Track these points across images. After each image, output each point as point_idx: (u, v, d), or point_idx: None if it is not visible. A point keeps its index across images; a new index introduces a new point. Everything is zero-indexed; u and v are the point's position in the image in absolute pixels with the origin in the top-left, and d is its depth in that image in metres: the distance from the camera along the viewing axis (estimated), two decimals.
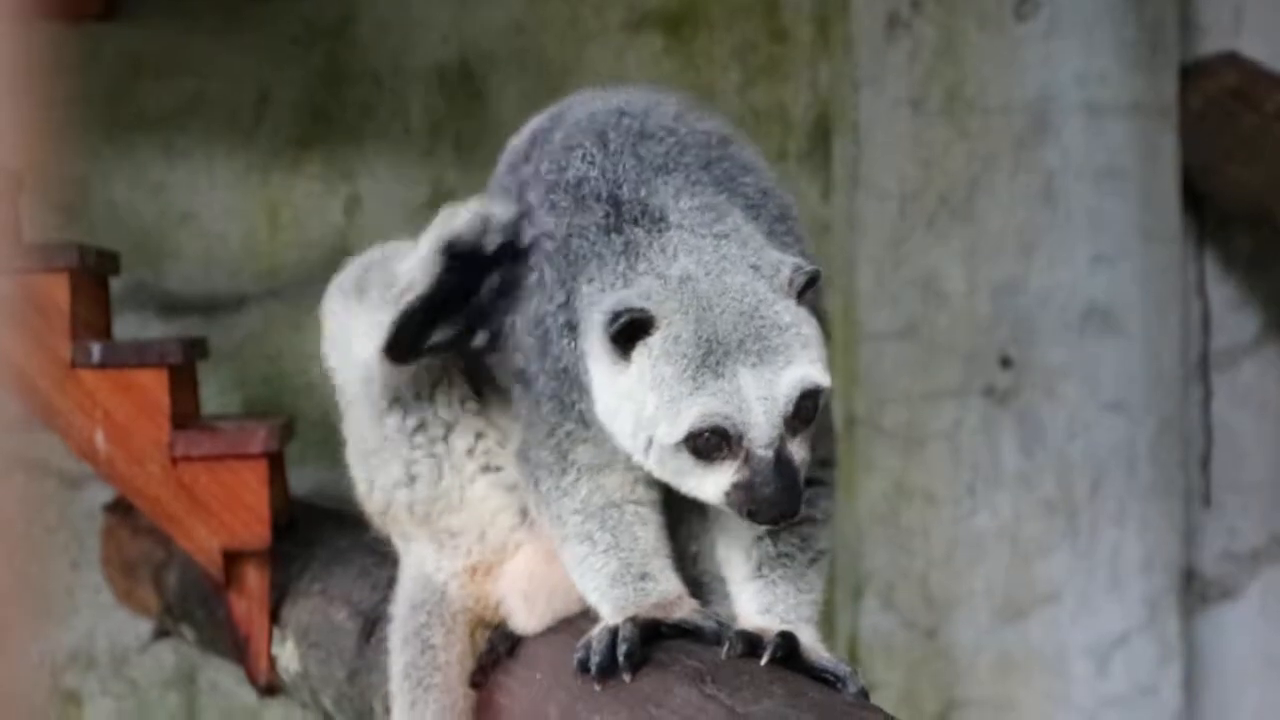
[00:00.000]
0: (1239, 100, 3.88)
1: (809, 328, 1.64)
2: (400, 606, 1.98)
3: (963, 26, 3.86)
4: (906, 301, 3.89)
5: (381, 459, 1.94)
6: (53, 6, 3.31)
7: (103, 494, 3.53)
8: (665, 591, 1.77)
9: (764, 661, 1.64)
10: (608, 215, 1.71)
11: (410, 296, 1.79)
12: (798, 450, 1.65)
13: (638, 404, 1.64)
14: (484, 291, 1.76)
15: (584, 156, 1.77)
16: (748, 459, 1.62)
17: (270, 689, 2.62)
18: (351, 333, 1.89)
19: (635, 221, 1.69)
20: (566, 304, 1.73)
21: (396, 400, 1.91)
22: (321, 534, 2.63)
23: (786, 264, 1.65)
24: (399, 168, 3.82)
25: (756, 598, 1.77)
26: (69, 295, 2.48)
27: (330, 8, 3.78)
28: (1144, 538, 3.94)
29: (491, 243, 1.76)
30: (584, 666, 1.70)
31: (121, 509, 3.44)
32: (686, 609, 1.75)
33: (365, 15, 3.80)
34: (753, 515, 1.64)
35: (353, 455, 2.00)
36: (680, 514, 1.83)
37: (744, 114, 3.96)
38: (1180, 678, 3.94)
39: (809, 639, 1.72)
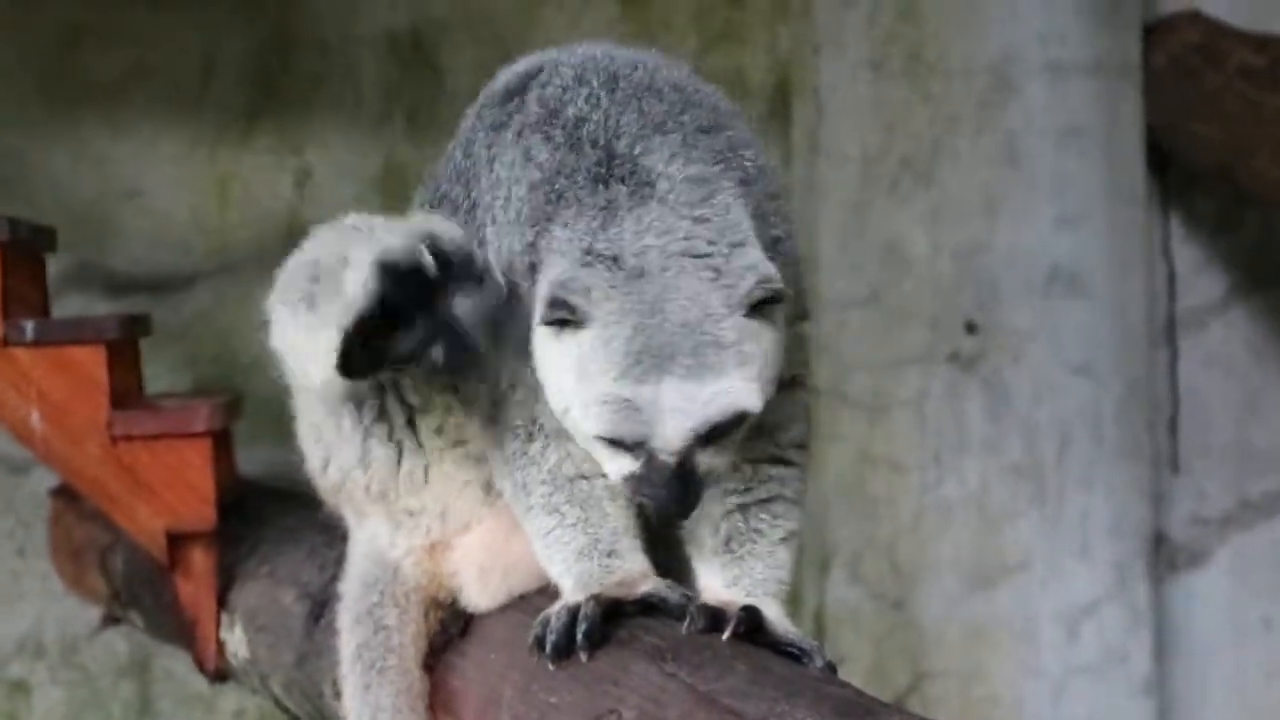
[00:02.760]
0: (1202, 57, 3.83)
1: (754, 345, 1.58)
2: (351, 585, 1.91)
3: None
4: (869, 268, 3.83)
5: (335, 445, 1.86)
6: None
7: (49, 479, 3.46)
8: (630, 569, 1.71)
9: (726, 636, 1.59)
10: (600, 163, 1.64)
11: (351, 316, 1.70)
12: (709, 459, 1.61)
13: (561, 377, 1.61)
14: (440, 309, 1.68)
15: (589, 97, 1.70)
16: (650, 459, 1.59)
17: (219, 675, 2.54)
18: (303, 350, 1.77)
19: (623, 180, 1.63)
20: (534, 245, 1.67)
21: (350, 401, 1.84)
22: (271, 514, 2.56)
23: (751, 275, 1.58)
24: (350, 139, 3.75)
25: (722, 572, 1.73)
26: (1, 271, 2.40)
27: None
28: (1112, 503, 3.90)
29: (431, 267, 1.68)
30: (540, 644, 1.64)
31: (68, 494, 3.37)
32: (652, 583, 1.69)
33: None
34: (641, 507, 1.64)
35: (304, 432, 1.93)
36: None
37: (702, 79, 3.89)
38: (1150, 644, 3.90)
39: (774, 614, 1.67)
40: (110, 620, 3.30)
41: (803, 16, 3.84)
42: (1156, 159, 3.97)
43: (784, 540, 1.74)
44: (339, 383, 1.75)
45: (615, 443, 1.59)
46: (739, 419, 1.59)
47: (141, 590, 2.88)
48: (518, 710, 1.67)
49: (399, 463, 1.84)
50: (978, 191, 3.82)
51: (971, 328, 3.84)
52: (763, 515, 1.74)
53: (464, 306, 1.70)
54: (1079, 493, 3.89)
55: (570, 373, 1.59)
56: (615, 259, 1.58)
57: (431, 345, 1.70)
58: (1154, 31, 3.93)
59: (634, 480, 1.60)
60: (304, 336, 1.75)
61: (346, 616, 1.91)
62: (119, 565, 2.99)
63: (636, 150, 1.64)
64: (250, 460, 3.03)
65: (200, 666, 2.51)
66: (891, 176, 3.83)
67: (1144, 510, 3.95)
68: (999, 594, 3.85)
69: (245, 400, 2.95)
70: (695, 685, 1.48)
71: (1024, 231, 3.83)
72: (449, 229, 1.74)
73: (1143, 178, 3.93)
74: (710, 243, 1.59)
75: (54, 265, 3.30)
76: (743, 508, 1.74)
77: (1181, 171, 4.05)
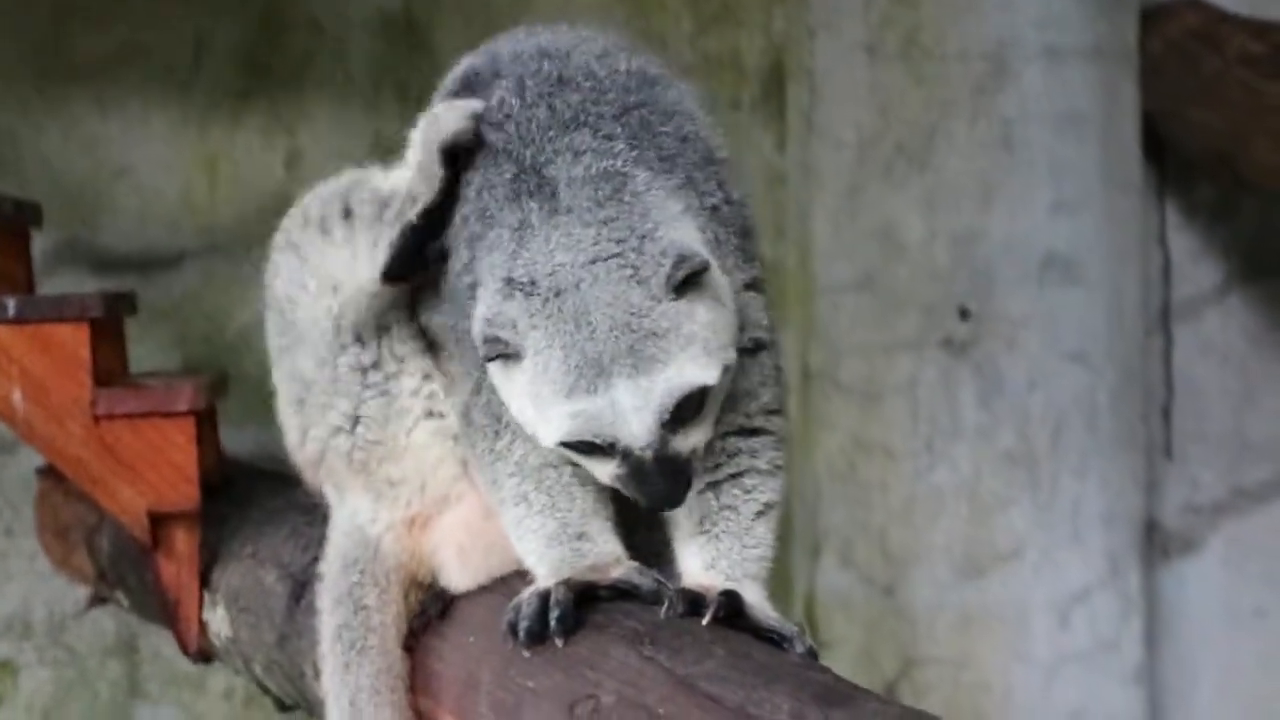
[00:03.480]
0: (1200, 42, 3.81)
1: (692, 324, 1.58)
2: (331, 565, 1.90)
3: None
4: (863, 252, 3.81)
5: (322, 402, 1.86)
6: None
7: (36, 459, 3.44)
8: (602, 553, 1.70)
9: (706, 621, 1.57)
10: (513, 178, 1.66)
11: (417, 208, 1.74)
12: (686, 440, 1.61)
13: (519, 405, 1.63)
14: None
15: (501, 105, 1.72)
16: (626, 457, 1.59)
17: (202, 655, 2.52)
18: (329, 262, 1.81)
19: (531, 194, 1.64)
20: (470, 265, 1.69)
21: (358, 338, 1.84)
22: (257, 495, 2.54)
23: (667, 260, 1.58)
24: (341, 119, 3.72)
25: (700, 554, 1.71)
26: None
27: None
28: (1105, 491, 3.88)
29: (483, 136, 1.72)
30: (513, 631, 1.63)
31: (55, 473, 3.35)
32: (624, 569, 1.68)
33: None
34: (638, 502, 1.63)
35: (285, 403, 1.92)
36: None
37: (697, 62, 3.87)
38: (1142, 632, 3.89)
39: (754, 597, 1.65)
40: (97, 600, 3.28)
41: None
42: (1154, 146, 3.95)
43: (760, 514, 1.72)
44: (364, 304, 1.77)
45: (589, 451, 1.60)
46: (699, 395, 1.59)
47: (127, 570, 2.86)
48: (496, 695, 1.65)
49: (386, 423, 1.83)
50: (973, 177, 3.80)
51: (965, 314, 3.82)
52: (734, 490, 1.72)
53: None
54: (1072, 480, 3.87)
55: (525, 397, 1.61)
56: (532, 283, 1.59)
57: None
58: (1152, 17, 3.90)
59: (622, 479, 1.61)
60: (342, 252, 1.79)
61: (327, 597, 1.90)
62: (105, 545, 2.97)
63: (541, 160, 1.65)
64: (238, 440, 3.01)
65: (182, 647, 2.50)
66: (886, 161, 3.81)
67: (1137, 498, 3.93)
68: (990, 581, 3.83)
69: (232, 380, 2.93)
70: (674, 669, 1.47)
71: (1019, 218, 3.81)
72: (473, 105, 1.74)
73: (1139, 165, 3.91)
74: (619, 241, 1.59)
75: (43, 243, 3.28)
76: (714, 485, 1.72)
77: (1179, 159, 4.03)
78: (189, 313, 3.65)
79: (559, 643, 1.60)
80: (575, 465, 1.69)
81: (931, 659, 3.82)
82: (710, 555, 1.70)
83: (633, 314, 1.56)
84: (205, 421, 2.48)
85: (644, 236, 1.59)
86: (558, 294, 1.58)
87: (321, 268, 1.83)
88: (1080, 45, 3.82)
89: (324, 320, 1.84)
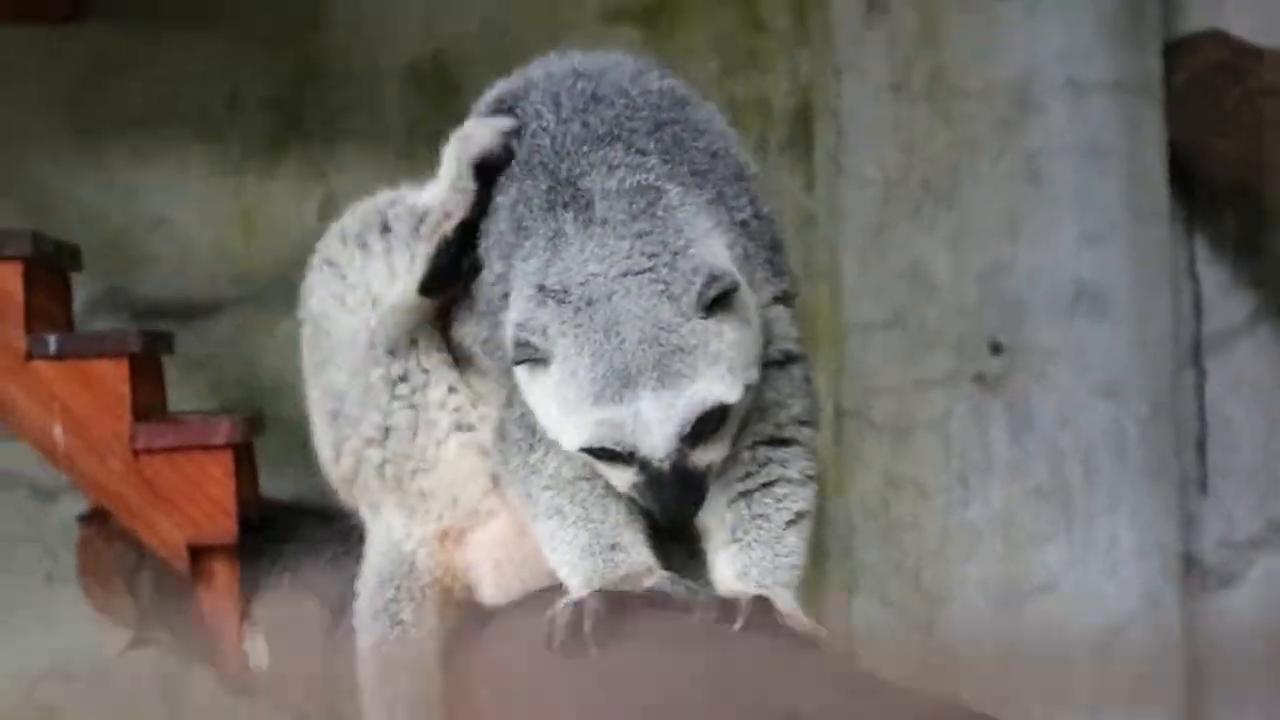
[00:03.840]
0: (1224, 74, 3.83)
1: (719, 343, 1.61)
2: (367, 582, 1.93)
3: (942, 8, 3.81)
4: (893, 291, 3.83)
5: (354, 415, 1.90)
6: (19, 7, 3.25)
7: (77, 505, 3.49)
8: (636, 563, 1.72)
9: (738, 627, 1.59)
10: (549, 190, 1.70)
11: (450, 223, 1.79)
12: (704, 455, 1.64)
13: (545, 409, 1.66)
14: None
15: (538, 117, 1.76)
16: (644, 467, 1.63)
17: (243, 688, 2.55)
18: (369, 276, 1.86)
19: (566, 205, 1.67)
20: (504, 275, 1.72)
21: (391, 351, 1.89)
22: (296, 529, 2.58)
23: (698, 277, 1.61)
24: (375, 169, 3.77)
25: (732, 562, 1.73)
26: (22, 284, 2.42)
27: (302, 4, 3.73)
28: (1138, 525, 3.88)
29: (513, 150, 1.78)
30: (548, 641, 1.65)
31: (96, 518, 3.39)
32: (657, 578, 1.70)
33: (338, 12, 3.76)
34: (653, 514, 1.67)
35: (319, 420, 1.96)
36: None
37: (724, 106, 3.88)
38: (1180, 667, 3.86)
39: (786, 605, 1.67)
40: (139, 642, 3.31)
41: (823, 40, 3.85)
42: (1181, 178, 3.96)
43: (791, 523, 1.75)
44: (399, 319, 1.82)
45: (609, 458, 1.63)
46: (720, 413, 1.62)
47: (168, 607, 2.89)
48: (531, 707, 1.67)
49: (414, 434, 1.86)
50: (1000, 212, 3.82)
51: (996, 348, 3.83)
52: (766, 500, 1.75)
53: None
54: (1106, 515, 3.87)
55: (551, 402, 1.64)
56: (565, 291, 1.62)
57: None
58: (1175, 50, 3.92)
59: (638, 489, 1.64)
60: (380, 266, 1.84)
61: (363, 614, 1.93)
62: (146, 585, 3.00)
63: (576, 173, 1.69)
64: (277, 484, 3.05)
65: (223, 679, 2.52)
66: (914, 199, 3.83)
67: (1172, 532, 3.92)
68: (1027, 617, 3.82)
69: (269, 425, 2.97)
70: (707, 661, 1.49)
71: (1047, 251, 3.82)
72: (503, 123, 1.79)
73: (1166, 197, 3.92)
74: (652, 255, 1.62)
75: (82, 292, 3.34)
76: (745, 494, 1.75)
77: (1207, 191, 4.04)
78: (226, 360, 3.70)
79: (593, 651, 1.61)
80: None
81: (970, 694, 3.81)
82: (742, 564, 1.72)
83: (662, 329, 1.60)
84: (243, 456, 2.51)
85: (676, 253, 1.62)
86: (589, 303, 1.61)
87: (360, 282, 1.87)
88: (1104, 78, 3.84)
89: (361, 334, 1.88)
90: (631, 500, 1.70)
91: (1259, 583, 4.11)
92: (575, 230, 1.65)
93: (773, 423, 1.76)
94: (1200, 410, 4.10)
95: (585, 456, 1.66)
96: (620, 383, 1.59)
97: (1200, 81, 3.88)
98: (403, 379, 1.88)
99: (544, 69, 1.86)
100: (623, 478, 1.65)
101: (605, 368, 1.59)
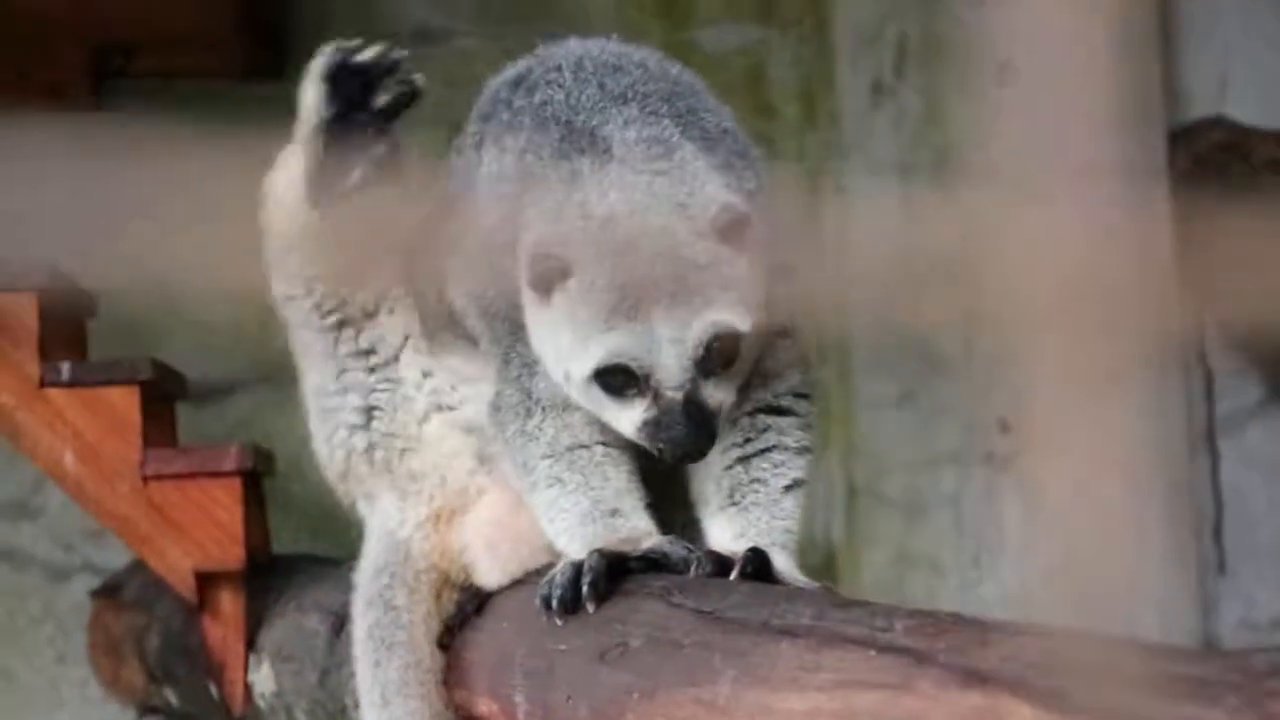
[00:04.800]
0: (1228, 153, 3.88)
1: (732, 269, 1.64)
2: (364, 573, 1.93)
3: (945, 92, 3.88)
4: (902, 368, 3.85)
5: (335, 404, 1.91)
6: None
7: (89, 584, 3.51)
8: (635, 527, 1.72)
9: (733, 576, 1.59)
10: (562, 139, 1.72)
11: (308, 128, 1.81)
12: (714, 393, 1.65)
13: (556, 338, 1.66)
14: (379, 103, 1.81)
15: (554, 81, 1.79)
16: (657, 398, 1.63)
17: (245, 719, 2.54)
18: (288, 226, 1.87)
19: (582, 151, 1.70)
20: (510, 220, 1.73)
21: (345, 321, 1.89)
22: (302, 564, 2.59)
23: (714, 205, 1.64)
24: None
25: (729, 525, 1.74)
26: (37, 314, 2.46)
27: None
28: (1157, 607, 3.84)
29: (364, 60, 1.81)
30: (546, 603, 1.65)
31: (108, 591, 3.41)
32: (656, 539, 1.70)
33: None
34: (661, 452, 1.66)
35: (311, 414, 1.97)
36: (651, 460, 1.79)
37: None
38: None
39: (782, 563, 1.67)
40: (147, 710, 3.31)
41: (830, 123, 3.92)
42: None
43: (788, 489, 1.76)
44: (317, 251, 1.85)
45: (620, 389, 1.63)
46: (733, 341, 1.63)
47: (175, 661, 2.89)
48: (528, 664, 1.67)
49: (396, 410, 1.87)
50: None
51: (1005, 427, 3.84)
52: (763, 465, 1.76)
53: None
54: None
55: (564, 328, 1.65)
56: (585, 211, 1.66)
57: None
58: (1179, 137, 3.98)
59: (648, 426, 1.64)
60: (289, 205, 1.85)
61: (360, 603, 1.93)
62: (154, 641, 3.01)
63: (594, 122, 1.72)
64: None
65: (227, 709, 2.51)
66: (921, 278, 3.86)
67: (1193, 615, 3.89)
68: None
69: (282, 503, 2.98)
70: (700, 608, 1.48)
71: None
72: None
73: (1175, 279, 3.94)
74: (671, 185, 1.66)
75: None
76: (743, 459, 1.76)
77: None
78: (240, 439, 3.72)
79: (591, 608, 1.61)
80: (606, 444, 1.72)
81: None
82: (739, 525, 1.73)
83: (679, 242, 1.62)
84: (250, 484, 2.53)
85: (692, 190, 1.66)
86: (610, 219, 1.64)
87: (286, 242, 1.88)
88: (1110, 162, 3.89)
89: (313, 315, 1.89)
90: (634, 457, 1.70)
91: None
92: (592, 170, 1.68)
93: (772, 392, 1.78)
94: (1215, 491, 4.09)
95: (594, 394, 1.65)
96: (636, 297, 1.60)
97: (1204, 163, 3.93)
98: (372, 350, 1.90)
99: (563, 50, 1.88)
100: (632, 416, 1.64)
101: (623, 279, 1.61)
